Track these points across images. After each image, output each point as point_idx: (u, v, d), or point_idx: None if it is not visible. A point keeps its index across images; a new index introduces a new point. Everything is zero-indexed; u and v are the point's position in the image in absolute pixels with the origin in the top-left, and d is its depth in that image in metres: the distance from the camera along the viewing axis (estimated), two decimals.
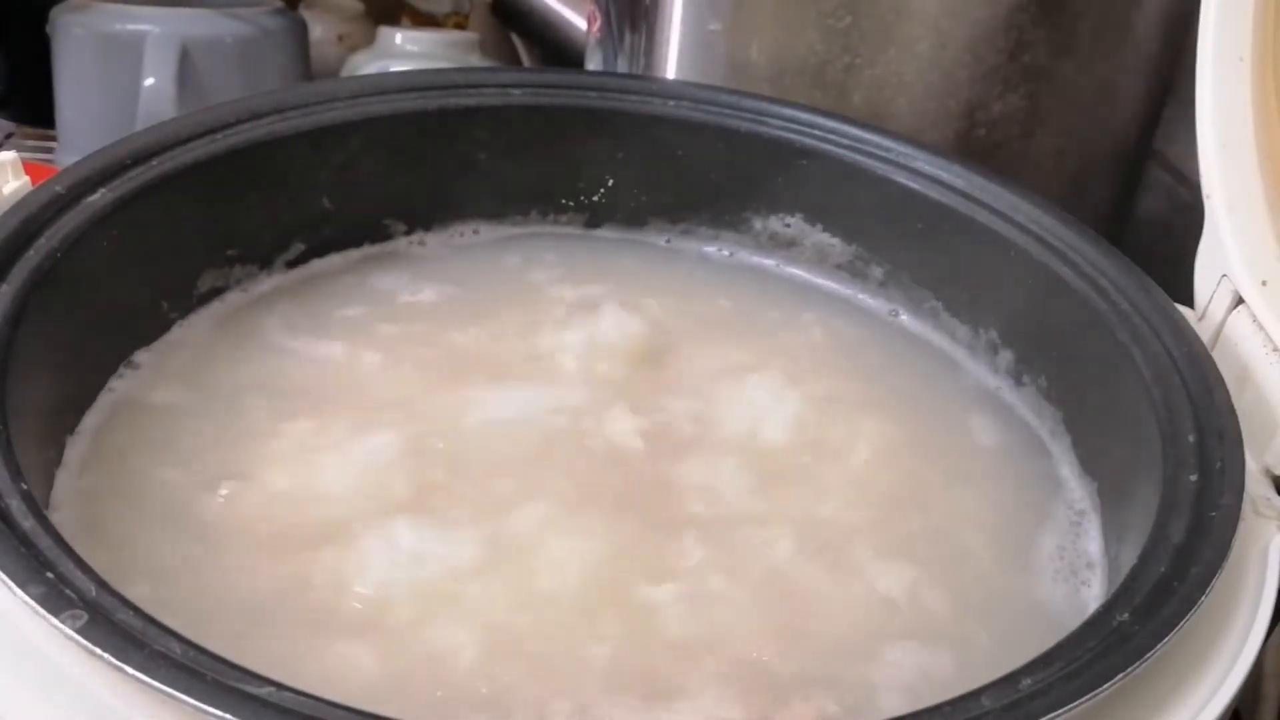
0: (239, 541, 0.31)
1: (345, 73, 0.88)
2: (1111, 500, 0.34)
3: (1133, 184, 0.57)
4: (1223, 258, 0.37)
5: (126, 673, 0.21)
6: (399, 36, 0.87)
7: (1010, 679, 0.23)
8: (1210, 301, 0.38)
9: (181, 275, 0.39)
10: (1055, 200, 0.41)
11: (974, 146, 0.49)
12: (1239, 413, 0.31)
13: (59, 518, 0.29)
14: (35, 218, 0.32)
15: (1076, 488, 0.37)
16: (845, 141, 0.44)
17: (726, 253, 0.48)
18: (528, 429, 0.36)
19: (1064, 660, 0.24)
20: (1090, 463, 0.37)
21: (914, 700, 0.28)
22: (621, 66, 0.57)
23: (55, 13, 0.75)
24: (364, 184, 0.43)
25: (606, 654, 0.28)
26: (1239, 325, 0.36)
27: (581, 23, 0.75)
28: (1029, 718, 0.22)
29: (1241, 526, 0.28)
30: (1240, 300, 0.36)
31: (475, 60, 0.87)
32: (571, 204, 0.48)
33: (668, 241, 0.48)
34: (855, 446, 0.37)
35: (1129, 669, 0.23)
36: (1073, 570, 0.33)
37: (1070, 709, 0.22)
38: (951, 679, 0.29)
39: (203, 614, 0.28)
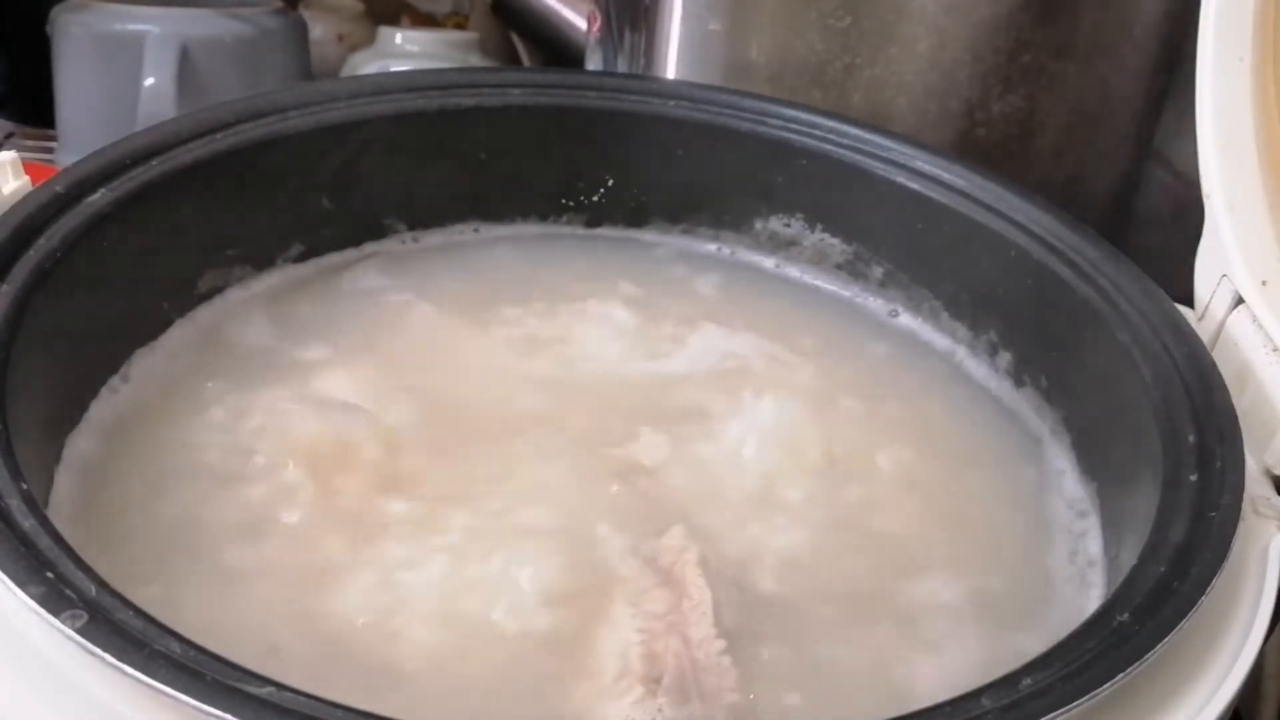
0: (240, 540, 0.31)
1: (345, 73, 0.88)
2: (1111, 500, 0.34)
3: (1133, 184, 0.57)
4: (1223, 258, 0.37)
5: (126, 673, 0.21)
6: (399, 36, 0.87)
7: (1010, 679, 0.23)
8: (1210, 301, 0.38)
9: (181, 275, 0.39)
10: (1055, 200, 0.41)
11: (974, 146, 0.49)
12: (1239, 413, 0.31)
13: (59, 518, 0.29)
14: (35, 218, 0.32)
15: (1076, 488, 0.37)
16: (845, 141, 0.44)
17: (727, 252, 0.48)
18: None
19: (1064, 660, 0.24)
20: (1090, 463, 0.37)
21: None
22: (621, 66, 0.57)
23: (55, 13, 0.75)
24: (364, 184, 0.43)
25: None
26: (1239, 325, 0.36)
27: (581, 23, 0.75)
28: (1029, 718, 0.22)
29: (1241, 526, 0.28)
30: (1240, 300, 0.36)
31: (475, 60, 0.87)
32: (571, 204, 0.48)
33: (668, 241, 0.48)
34: (854, 446, 0.37)
35: (1129, 669, 0.23)
36: (1071, 571, 0.33)
37: (1070, 709, 0.22)
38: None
39: (207, 613, 0.28)
